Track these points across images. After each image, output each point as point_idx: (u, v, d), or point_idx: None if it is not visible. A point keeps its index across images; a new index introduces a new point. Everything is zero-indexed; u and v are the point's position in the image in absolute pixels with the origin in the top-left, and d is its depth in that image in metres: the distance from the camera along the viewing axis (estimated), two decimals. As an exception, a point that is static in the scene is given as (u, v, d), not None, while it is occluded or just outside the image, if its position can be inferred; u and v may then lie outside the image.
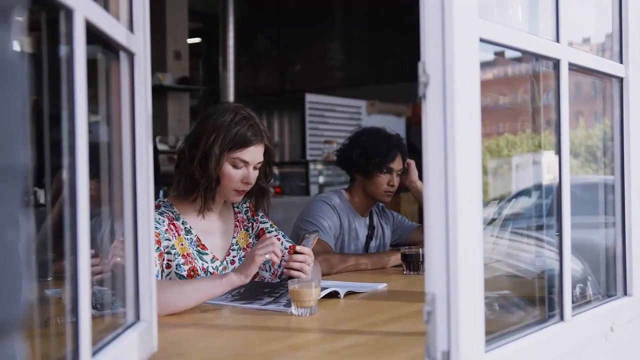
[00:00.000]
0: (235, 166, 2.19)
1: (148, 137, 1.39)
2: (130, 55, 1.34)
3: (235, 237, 2.34)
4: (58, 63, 1.02)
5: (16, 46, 0.56)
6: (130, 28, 1.34)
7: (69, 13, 0.99)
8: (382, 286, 2.34)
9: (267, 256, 1.98)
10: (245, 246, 2.36)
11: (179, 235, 2.18)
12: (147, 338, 1.38)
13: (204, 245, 2.23)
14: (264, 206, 2.38)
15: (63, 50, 1.01)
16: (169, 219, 2.17)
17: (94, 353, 1.09)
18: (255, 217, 2.42)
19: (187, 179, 2.19)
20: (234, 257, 2.31)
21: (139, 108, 1.37)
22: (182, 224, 2.22)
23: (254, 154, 2.20)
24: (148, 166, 1.38)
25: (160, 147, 6.88)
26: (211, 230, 2.28)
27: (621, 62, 1.80)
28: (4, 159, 0.53)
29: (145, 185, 1.38)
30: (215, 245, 2.27)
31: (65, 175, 1.00)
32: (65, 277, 1.05)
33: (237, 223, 2.37)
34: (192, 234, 2.22)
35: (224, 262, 2.28)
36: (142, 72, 1.37)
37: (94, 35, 1.11)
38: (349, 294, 2.17)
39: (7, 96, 0.53)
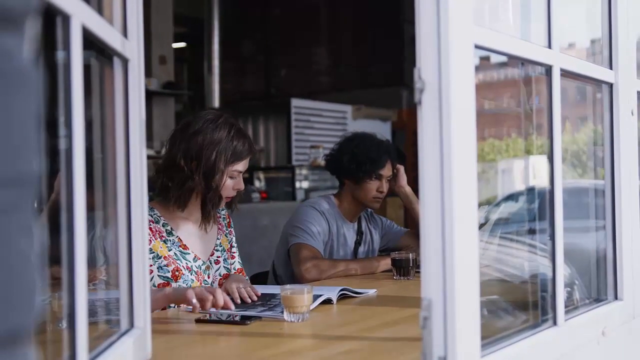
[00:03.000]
0: (231, 177, 2.29)
1: (142, 143, 1.38)
2: (125, 61, 1.34)
3: (219, 239, 2.43)
4: (54, 68, 1.01)
5: (28, 54, 0.56)
6: (125, 34, 1.34)
7: (66, 19, 0.98)
8: (372, 292, 2.34)
9: (194, 301, 1.90)
10: (226, 249, 2.45)
11: (156, 238, 2.23)
12: (142, 345, 1.37)
13: (185, 245, 2.29)
14: (235, 203, 2.43)
15: (59, 55, 1.00)
16: None
17: (90, 361, 1.08)
18: (229, 229, 2.51)
19: (186, 193, 2.25)
20: (218, 257, 2.40)
21: (133, 114, 1.36)
22: (163, 226, 2.28)
23: (247, 163, 2.34)
24: (142, 172, 1.38)
25: (146, 152, 6.85)
26: (194, 232, 2.35)
27: (611, 68, 1.81)
28: (17, 167, 0.53)
29: (140, 191, 1.37)
30: (197, 246, 2.33)
31: (62, 181, 0.99)
32: (55, 284, 1.04)
33: (220, 226, 2.46)
34: (173, 235, 2.28)
35: (207, 262, 2.35)
36: (136, 78, 1.37)
37: (89, 41, 1.11)
38: (343, 297, 2.18)
39: (20, 104, 0.52)
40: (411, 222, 3.47)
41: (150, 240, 2.19)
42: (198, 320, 1.88)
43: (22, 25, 0.55)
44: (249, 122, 8.55)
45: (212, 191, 2.25)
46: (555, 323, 1.52)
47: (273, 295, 2.18)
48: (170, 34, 8.02)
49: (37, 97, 0.56)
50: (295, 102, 8.04)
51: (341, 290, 2.18)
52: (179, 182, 2.24)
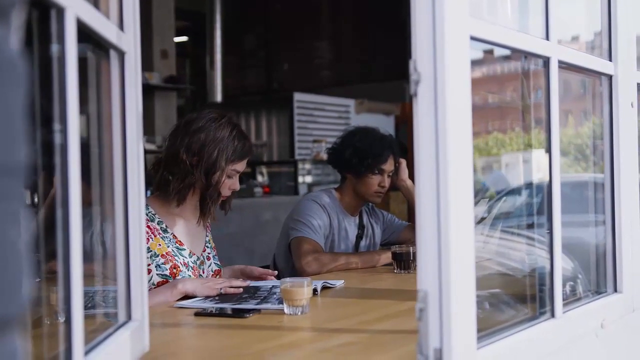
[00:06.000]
0: (229, 176, 2.32)
1: (139, 136, 1.38)
2: (121, 54, 1.34)
3: (207, 236, 2.47)
4: (48, 62, 1.01)
5: (15, 44, 0.56)
6: (121, 27, 1.34)
7: (60, 11, 0.98)
8: (339, 283, 2.37)
9: (222, 290, 2.13)
10: (213, 246, 2.50)
11: (155, 236, 2.26)
12: (139, 337, 1.38)
13: (180, 241, 2.33)
14: (229, 203, 2.45)
15: (54, 48, 1.00)
16: None
17: (86, 352, 1.08)
18: (209, 231, 2.54)
19: (186, 187, 2.28)
20: (208, 253, 2.45)
21: (130, 107, 1.36)
22: (158, 224, 2.30)
23: (245, 164, 2.37)
24: (139, 166, 1.38)
25: (147, 147, 6.85)
26: (187, 229, 2.38)
27: (610, 60, 1.81)
28: (5, 156, 0.53)
29: (137, 185, 1.37)
30: (190, 243, 2.37)
31: (57, 175, 1.00)
32: (54, 277, 1.04)
33: (208, 224, 2.49)
34: (168, 232, 2.31)
35: (201, 257, 2.40)
36: (132, 71, 1.37)
37: (84, 34, 1.10)
38: (324, 288, 2.22)
39: (8, 94, 0.52)
40: (413, 216, 3.47)
41: (148, 239, 2.21)
42: (196, 314, 1.89)
43: (8, 15, 0.55)
44: (251, 116, 8.54)
45: (212, 187, 2.27)
46: (553, 315, 1.52)
47: (258, 288, 2.20)
48: (171, 28, 8.01)
49: (24, 87, 0.56)
50: (298, 97, 8.04)
51: (322, 286, 2.21)
52: (180, 177, 2.26)
